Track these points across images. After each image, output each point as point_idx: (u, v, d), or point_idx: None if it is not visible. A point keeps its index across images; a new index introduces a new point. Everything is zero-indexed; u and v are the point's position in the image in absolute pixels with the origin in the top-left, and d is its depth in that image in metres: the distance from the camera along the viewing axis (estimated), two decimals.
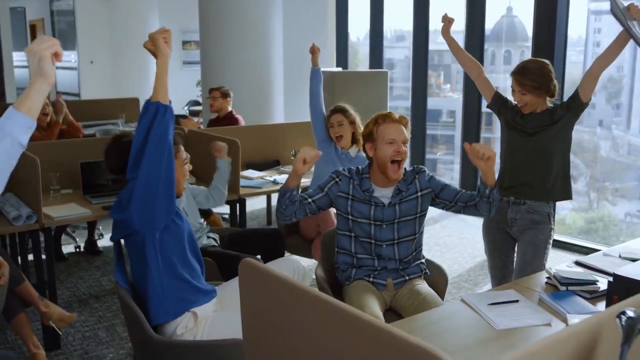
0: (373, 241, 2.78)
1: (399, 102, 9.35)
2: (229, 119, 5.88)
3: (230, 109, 5.99)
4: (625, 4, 2.97)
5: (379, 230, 2.76)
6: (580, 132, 8.07)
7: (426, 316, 2.32)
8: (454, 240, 5.62)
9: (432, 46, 7.32)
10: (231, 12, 7.18)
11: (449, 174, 9.39)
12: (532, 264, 3.10)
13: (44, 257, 3.79)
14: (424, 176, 2.81)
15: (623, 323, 1.26)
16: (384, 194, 2.77)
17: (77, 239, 5.43)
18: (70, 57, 12.35)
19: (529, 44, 5.67)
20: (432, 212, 6.50)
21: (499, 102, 3.27)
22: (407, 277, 2.81)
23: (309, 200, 2.77)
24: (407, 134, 2.79)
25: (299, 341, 1.66)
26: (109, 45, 11.17)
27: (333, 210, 3.83)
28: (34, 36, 14.41)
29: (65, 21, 12.67)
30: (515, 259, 3.30)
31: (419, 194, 2.78)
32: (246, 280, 1.82)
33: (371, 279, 2.79)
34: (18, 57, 13.43)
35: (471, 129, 6.51)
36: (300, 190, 2.74)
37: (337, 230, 2.88)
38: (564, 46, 5.27)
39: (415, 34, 7.33)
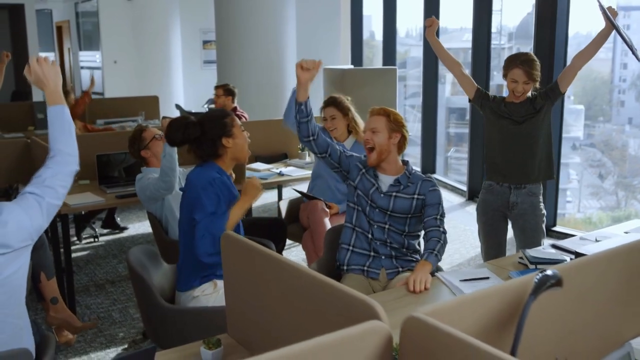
0: (367, 218, 2.92)
1: (415, 100, 9.47)
2: None
3: (234, 105, 5.96)
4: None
5: (373, 211, 2.91)
6: (609, 130, 8.03)
7: (401, 289, 2.52)
8: (457, 232, 5.78)
9: (446, 45, 7.38)
10: (246, 11, 7.41)
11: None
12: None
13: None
14: (428, 185, 2.90)
15: (537, 280, 1.44)
16: (384, 180, 2.93)
17: (97, 230, 5.71)
18: (95, 57, 12.71)
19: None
20: None
21: (481, 97, 3.47)
22: (400, 269, 2.88)
23: (329, 139, 3.05)
24: (387, 123, 2.89)
25: (271, 302, 1.87)
26: (131, 45, 11.49)
27: (322, 206, 3.99)
28: (60, 37, 14.83)
29: (90, 22, 13.04)
30: (516, 243, 3.53)
31: (416, 196, 2.88)
32: (227, 250, 2.04)
33: (365, 268, 2.90)
34: None
35: (479, 124, 6.63)
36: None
37: (347, 202, 3.02)
38: (565, 45, 5.38)
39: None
